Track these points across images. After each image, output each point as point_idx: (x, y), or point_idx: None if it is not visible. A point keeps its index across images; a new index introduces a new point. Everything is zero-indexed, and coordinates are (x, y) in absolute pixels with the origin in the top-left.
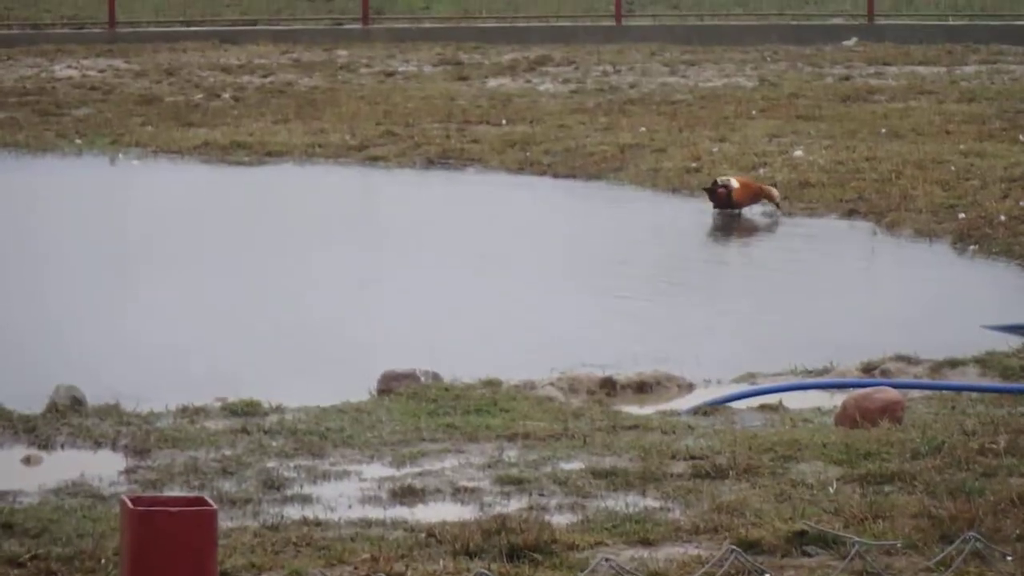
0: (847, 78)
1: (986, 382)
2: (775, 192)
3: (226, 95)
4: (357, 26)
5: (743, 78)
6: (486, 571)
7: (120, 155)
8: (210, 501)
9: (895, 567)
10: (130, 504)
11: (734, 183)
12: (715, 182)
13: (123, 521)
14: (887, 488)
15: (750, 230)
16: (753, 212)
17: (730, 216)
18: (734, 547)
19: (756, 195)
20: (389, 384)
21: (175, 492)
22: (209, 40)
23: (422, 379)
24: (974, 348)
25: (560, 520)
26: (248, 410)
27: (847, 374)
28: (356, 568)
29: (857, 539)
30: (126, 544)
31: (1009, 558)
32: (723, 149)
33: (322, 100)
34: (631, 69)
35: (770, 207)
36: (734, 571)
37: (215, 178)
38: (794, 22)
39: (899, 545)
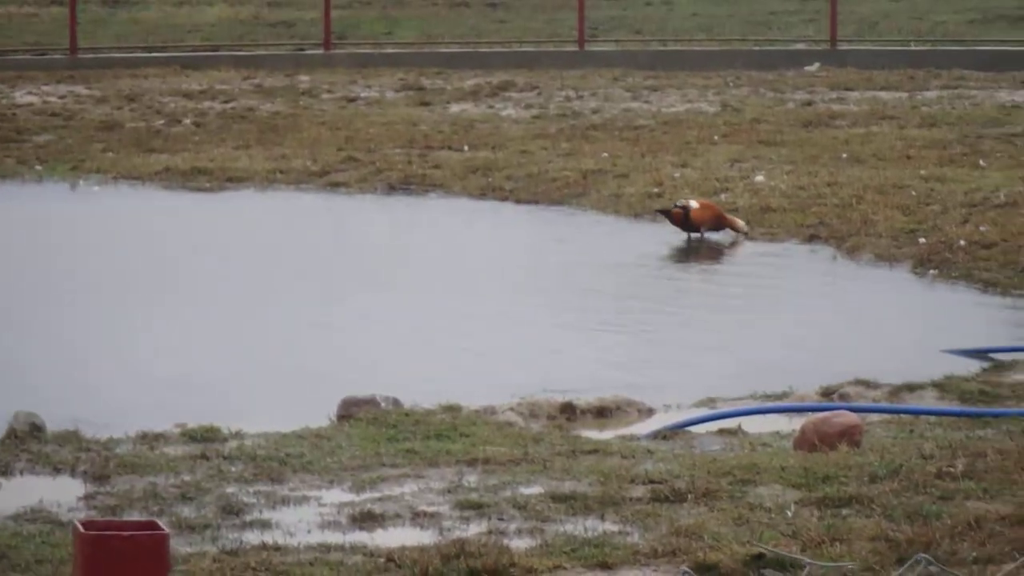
0: (809, 103)
1: (944, 406)
2: (741, 223)
3: (187, 121)
4: (319, 51)
5: (705, 103)
6: None
7: (81, 181)
8: (162, 525)
9: None
10: (82, 528)
11: (693, 203)
12: (674, 205)
13: (75, 545)
14: (845, 511)
15: (711, 255)
16: (716, 236)
17: (692, 240)
18: (686, 570)
19: (719, 219)
20: (349, 410)
21: (133, 518)
22: (171, 66)
23: (382, 404)
24: (933, 372)
25: (519, 544)
26: (207, 436)
27: (806, 398)
28: None
29: (810, 560)
30: (78, 568)
31: None
32: (685, 174)
33: (283, 126)
34: (594, 95)
35: (738, 236)
36: None
37: (176, 204)
38: (757, 47)
39: (852, 567)
